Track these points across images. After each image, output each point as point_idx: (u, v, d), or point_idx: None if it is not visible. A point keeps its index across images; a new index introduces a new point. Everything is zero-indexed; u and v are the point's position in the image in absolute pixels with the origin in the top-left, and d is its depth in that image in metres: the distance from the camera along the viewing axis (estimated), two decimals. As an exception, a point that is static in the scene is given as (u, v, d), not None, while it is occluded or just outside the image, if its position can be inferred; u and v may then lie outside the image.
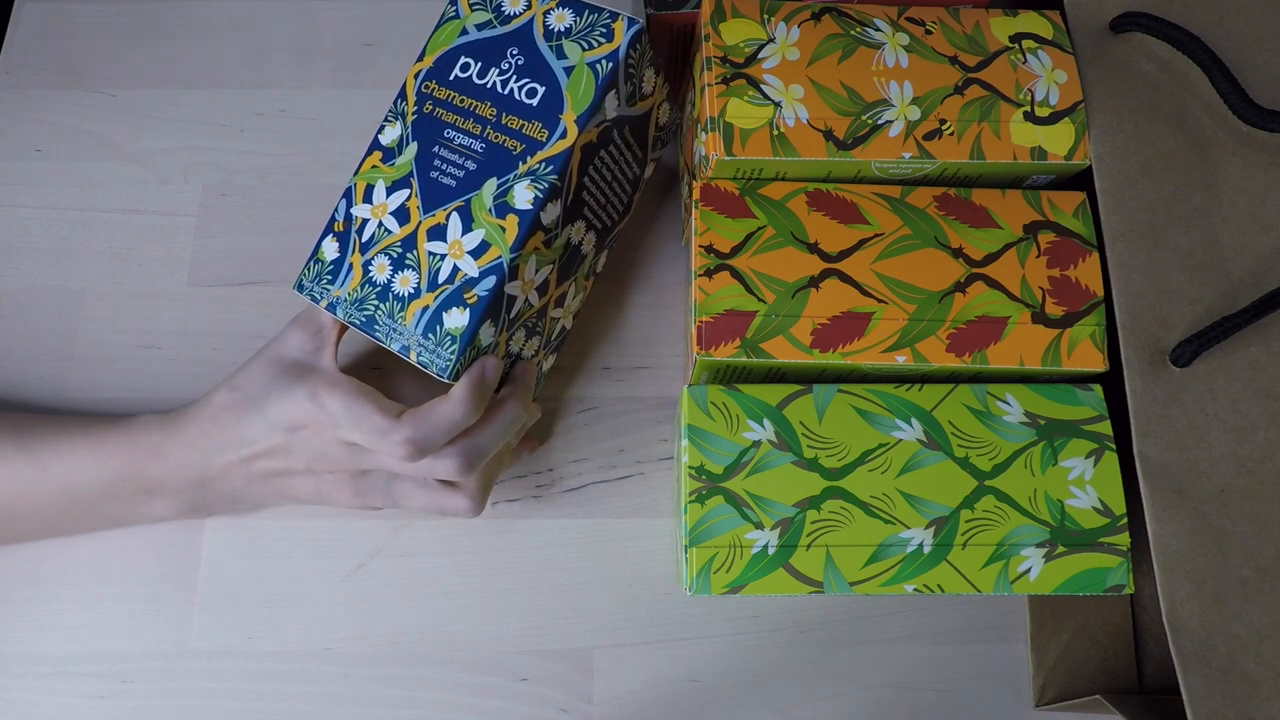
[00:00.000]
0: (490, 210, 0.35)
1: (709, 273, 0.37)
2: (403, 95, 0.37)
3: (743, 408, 0.37)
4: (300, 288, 0.37)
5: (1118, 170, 0.37)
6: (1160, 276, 0.36)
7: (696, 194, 0.38)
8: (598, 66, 0.35)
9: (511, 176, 0.35)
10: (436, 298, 0.34)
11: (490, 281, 0.34)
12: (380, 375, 0.45)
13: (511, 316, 0.36)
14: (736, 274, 0.37)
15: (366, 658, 0.41)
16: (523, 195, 0.35)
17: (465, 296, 0.34)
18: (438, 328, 0.34)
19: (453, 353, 0.34)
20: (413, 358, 0.34)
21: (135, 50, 0.51)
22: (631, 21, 0.35)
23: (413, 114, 0.37)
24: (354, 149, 0.49)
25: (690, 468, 0.36)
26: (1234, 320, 0.33)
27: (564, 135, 0.35)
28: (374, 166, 0.37)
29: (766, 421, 0.36)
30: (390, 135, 0.37)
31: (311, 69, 0.51)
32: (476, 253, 0.34)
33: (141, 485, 0.38)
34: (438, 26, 0.38)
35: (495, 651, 0.41)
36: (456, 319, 0.34)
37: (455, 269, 0.34)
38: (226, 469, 0.37)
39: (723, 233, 0.38)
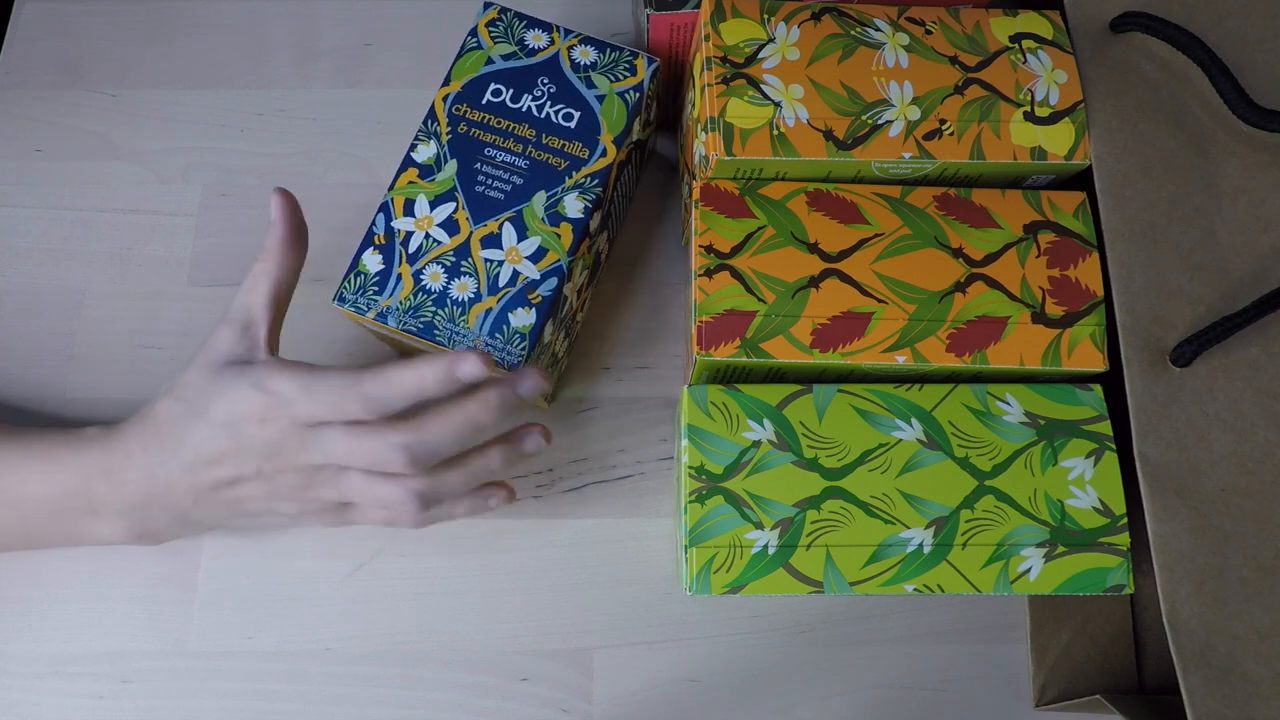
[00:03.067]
0: (543, 219, 0.38)
1: (709, 273, 0.37)
2: (433, 117, 0.40)
3: (743, 408, 0.37)
4: (341, 300, 0.38)
5: (1118, 170, 0.37)
6: (1160, 276, 0.36)
7: (696, 194, 0.38)
8: (626, 96, 0.40)
9: (560, 189, 0.39)
10: (499, 300, 0.37)
11: (552, 283, 0.38)
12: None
13: (561, 317, 0.40)
14: (736, 274, 0.37)
15: (366, 658, 0.41)
16: (574, 205, 0.39)
17: (529, 297, 0.38)
18: (505, 327, 0.37)
19: (523, 349, 0.37)
20: None
21: (135, 50, 0.51)
22: (650, 60, 0.41)
23: (447, 134, 0.40)
24: (354, 149, 0.49)
25: (690, 468, 0.36)
26: (1234, 320, 0.34)
27: (604, 154, 0.40)
28: (411, 183, 0.39)
29: (766, 421, 0.36)
30: (425, 153, 0.39)
31: (311, 69, 0.51)
32: (535, 258, 0.38)
33: (85, 504, 0.37)
34: (460, 55, 0.41)
35: (495, 651, 0.41)
36: (523, 318, 0.37)
37: (515, 273, 0.38)
38: (171, 485, 0.35)
39: (723, 233, 0.38)
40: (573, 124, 0.40)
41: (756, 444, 0.36)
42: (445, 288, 0.37)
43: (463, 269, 0.38)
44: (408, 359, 0.33)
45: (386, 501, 0.35)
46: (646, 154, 0.46)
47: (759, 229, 0.38)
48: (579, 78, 0.40)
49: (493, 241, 0.38)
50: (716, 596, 0.41)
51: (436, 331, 0.37)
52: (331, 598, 0.42)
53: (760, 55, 0.38)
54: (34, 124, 0.49)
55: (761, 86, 0.37)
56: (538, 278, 0.38)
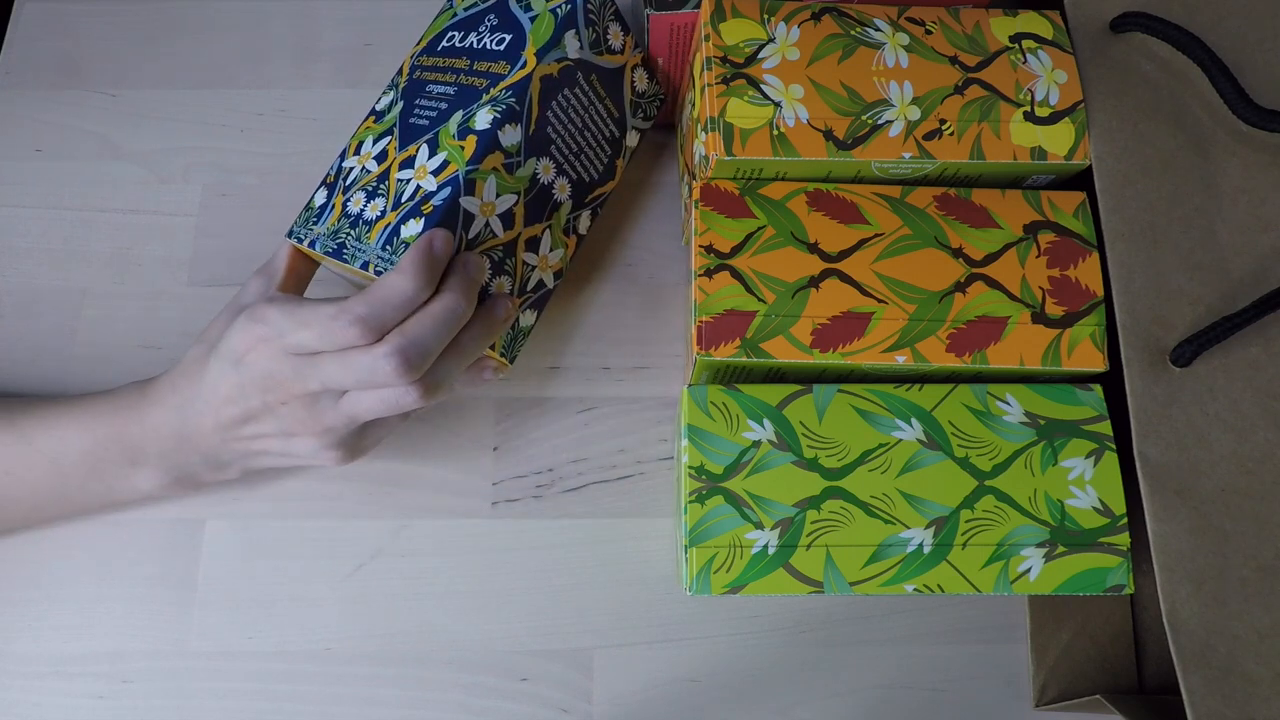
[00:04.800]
0: (454, 135, 0.37)
1: (709, 273, 0.37)
2: (400, 72, 0.42)
3: (743, 408, 0.37)
4: (290, 233, 0.39)
5: (1118, 170, 0.37)
6: (1160, 276, 0.36)
7: (696, 194, 0.38)
8: (558, 10, 0.39)
9: (475, 105, 0.38)
10: (398, 215, 0.36)
11: (446, 193, 0.36)
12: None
13: (470, 237, 0.37)
14: (736, 274, 0.37)
15: (366, 658, 0.41)
16: (483, 118, 0.37)
17: (422, 208, 0.36)
18: (395, 239, 0.36)
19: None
20: (371, 270, 0.36)
21: (135, 50, 0.51)
22: None
23: (404, 84, 0.41)
24: (354, 149, 0.49)
25: (690, 468, 0.36)
26: (1234, 320, 0.34)
27: (524, 66, 0.38)
28: (366, 128, 0.40)
29: (766, 421, 0.36)
30: (384, 102, 0.41)
31: (311, 69, 0.51)
32: (437, 171, 0.37)
33: (123, 453, 0.38)
34: (436, 18, 0.43)
35: (495, 651, 0.41)
36: (412, 228, 0.35)
37: (417, 188, 0.37)
38: (199, 425, 0.37)
39: (723, 233, 0.38)
40: (503, 46, 0.39)
41: (756, 444, 0.36)
42: (361, 210, 0.37)
43: (379, 191, 0.37)
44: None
45: (397, 402, 0.35)
46: (637, 95, 0.44)
47: (759, 229, 0.38)
48: (520, 6, 0.40)
49: (408, 164, 0.38)
50: (716, 596, 0.41)
51: (345, 251, 0.37)
52: (331, 598, 0.42)
53: (760, 55, 0.38)
54: (34, 124, 0.49)
55: (761, 86, 0.37)
56: (434, 189, 0.36)
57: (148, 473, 0.38)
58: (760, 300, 0.37)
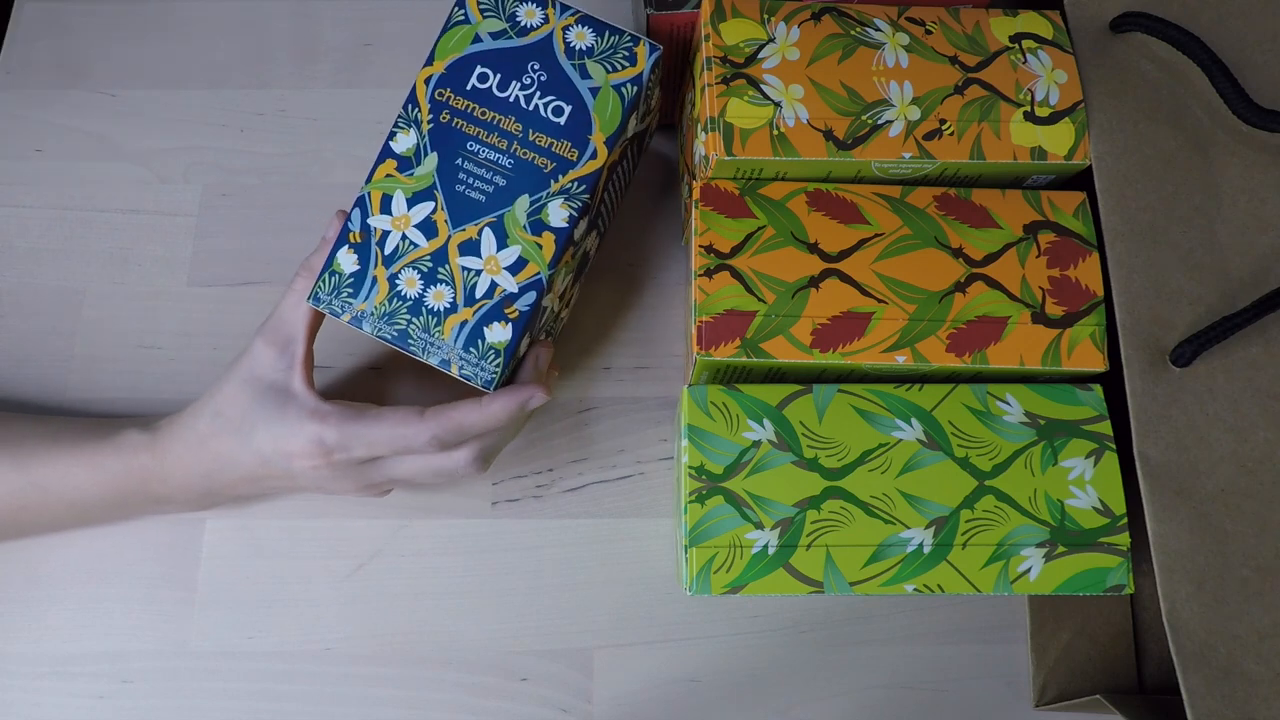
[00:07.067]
0: (525, 227, 0.36)
1: (709, 273, 0.37)
2: (414, 101, 0.37)
3: (743, 408, 0.37)
4: (316, 300, 0.36)
5: (1118, 170, 0.37)
6: (1160, 276, 0.36)
7: (696, 194, 0.38)
8: (623, 90, 0.37)
9: (544, 195, 0.36)
10: (475, 313, 0.35)
11: (530, 297, 0.35)
12: (378, 375, 0.45)
13: (540, 325, 0.38)
14: (736, 274, 0.37)
15: (366, 658, 0.41)
16: (557, 213, 0.36)
17: (506, 311, 0.35)
18: (480, 342, 0.35)
19: (497, 366, 0.35)
20: (454, 371, 0.35)
21: (135, 50, 0.51)
22: (653, 47, 0.38)
23: (428, 122, 0.37)
24: (354, 149, 0.49)
25: (690, 468, 0.36)
26: (1234, 320, 0.34)
27: (594, 156, 0.37)
28: (389, 175, 0.36)
29: (766, 421, 0.36)
30: (405, 143, 0.37)
31: (311, 69, 0.51)
32: (514, 269, 0.36)
33: (148, 499, 0.39)
34: (445, 30, 0.38)
35: (495, 651, 0.41)
36: (499, 334, 0.35)
37: (493, 284, 0.36)
38: (230, 484, 0.38)
39: (723, 233, 0.38)
40: (562, 119, 0.37)
41: (756, 444, 0.36)
42: (421, 295, 0.35)
43: (439, 276, 0.35)
44: (469, 400, 0.35)
45: (448, 469, 0.37)
46: (647, 140, 0.43)
47: (759, 229, 0.38)
48: (573, 65, 0.37)
49: (471, 248, 0.36)
50: (716, 596, 0.41)
51: (411, 341, 0.35)
52: (331, 598, 0.42)
53: (760, 55, 0.38)
54: (34, 124, 0.49)
55: (761, 86, 0.37)
56: (515, 291, 0.35)
57: (173, 507, 0.41)
58: (760, 300, 0.37)
